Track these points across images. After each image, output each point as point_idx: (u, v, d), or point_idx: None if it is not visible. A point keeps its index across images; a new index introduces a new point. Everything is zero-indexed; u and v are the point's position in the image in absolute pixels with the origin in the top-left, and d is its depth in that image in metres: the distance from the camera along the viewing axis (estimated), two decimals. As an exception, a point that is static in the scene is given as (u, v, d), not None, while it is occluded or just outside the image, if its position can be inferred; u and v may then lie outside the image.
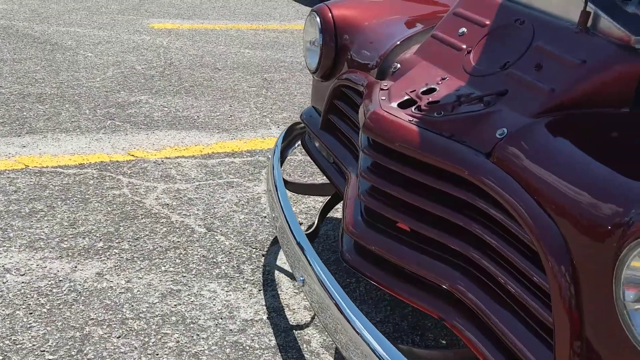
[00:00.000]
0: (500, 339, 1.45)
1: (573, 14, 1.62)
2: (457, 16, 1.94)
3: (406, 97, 1.74)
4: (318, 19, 2.31)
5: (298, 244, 1.89)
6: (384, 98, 1.77)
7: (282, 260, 2.50)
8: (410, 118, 1.64)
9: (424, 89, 1.74)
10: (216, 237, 2.62)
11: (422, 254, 1.65)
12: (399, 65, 1.95)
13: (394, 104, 1.73)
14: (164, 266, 2.41)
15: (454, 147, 1.54)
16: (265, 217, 2.80)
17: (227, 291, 2.30)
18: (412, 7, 2.37)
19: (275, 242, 2.61)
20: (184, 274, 2.37)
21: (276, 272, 2.44)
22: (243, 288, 2.33)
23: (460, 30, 1.88)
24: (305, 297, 2.27)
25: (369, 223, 1.77)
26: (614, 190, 1.20)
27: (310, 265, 1.79)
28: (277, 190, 2.18)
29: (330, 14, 2.30)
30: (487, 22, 1.83)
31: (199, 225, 2.70)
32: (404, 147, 1.60)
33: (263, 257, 2.51)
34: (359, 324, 1.53)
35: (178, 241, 2.57)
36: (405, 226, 1.76)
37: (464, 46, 1.83)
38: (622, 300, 1.11)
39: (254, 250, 2.56)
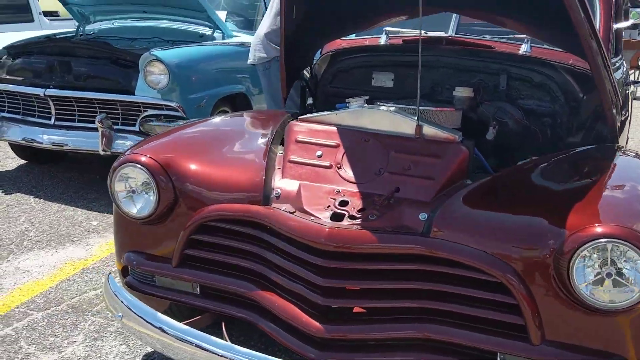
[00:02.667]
0: (472, 353, 2.09)
1: (403, 128, 2.37)
2: (303, 143, 2.44)
3: (331, 212, 2.16)
4: (140, 167, 2.38)
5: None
6: (312, 218, 2.14)
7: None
8: (355, 226, 2.09)
9: (337, 202, 2.20)
10: None
11: (388, 323, 2.12)
12: (279, 191, 2.30)
13: (328, 220, 2.13)
14: None
15: (399, 236, 2.08)
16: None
17: None
18: (223, 133, 2.70)
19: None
20: None
21: None
22: None
23: (318, 153, 2.39)
24: None
25: (334, 321, 2.11)
26: (535, 233, 1.98)
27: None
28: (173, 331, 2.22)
29: (151, 160, 2.39)
30: (338, 144, 2.40)
31: None
32: (368, 247, 2.05)
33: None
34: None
35: None
36: (359, 309, 2.18)
37: (329, 164, 2.35)
38: (577, 283, 1.91)
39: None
